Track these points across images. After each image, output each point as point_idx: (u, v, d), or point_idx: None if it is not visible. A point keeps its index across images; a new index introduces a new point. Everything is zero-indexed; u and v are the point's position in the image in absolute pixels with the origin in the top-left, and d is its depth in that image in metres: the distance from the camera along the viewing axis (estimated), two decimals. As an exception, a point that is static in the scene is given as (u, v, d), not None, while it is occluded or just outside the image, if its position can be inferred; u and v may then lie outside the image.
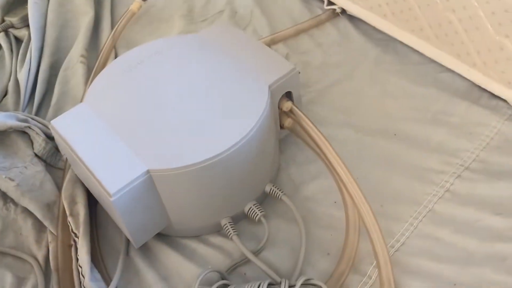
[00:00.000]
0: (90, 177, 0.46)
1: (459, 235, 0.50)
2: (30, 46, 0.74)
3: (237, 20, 0.77)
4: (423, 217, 0.52)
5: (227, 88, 0.51)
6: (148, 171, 0.45)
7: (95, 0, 0.82)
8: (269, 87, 0.51)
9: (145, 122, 0.49)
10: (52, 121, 0.50)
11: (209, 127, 0.48)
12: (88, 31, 0.77)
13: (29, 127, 0.59)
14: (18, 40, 0.78)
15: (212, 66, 0.54)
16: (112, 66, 0.55)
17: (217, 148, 0.46)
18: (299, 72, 0.54)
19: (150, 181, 0.46)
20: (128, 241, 0.53)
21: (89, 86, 0.55)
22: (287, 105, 0.54)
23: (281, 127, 0.57)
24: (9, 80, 0.72)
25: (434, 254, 0.49)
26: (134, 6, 0.79)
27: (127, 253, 0.53)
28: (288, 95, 0.55)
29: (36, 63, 0.73)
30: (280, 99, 0.54)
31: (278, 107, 0.54)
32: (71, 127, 0.50)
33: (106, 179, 0.45)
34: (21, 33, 0.78)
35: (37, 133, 0.59)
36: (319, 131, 0.52)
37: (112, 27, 0.79)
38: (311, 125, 0.52)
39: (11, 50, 0.77)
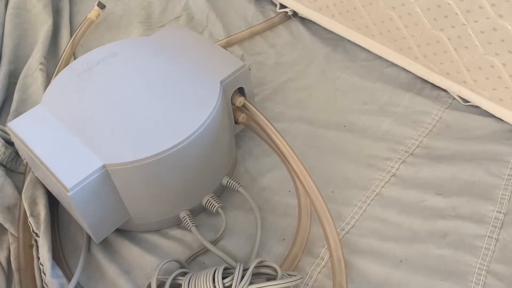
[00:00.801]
0: (48, 175, 0.48)
1: (404, 216, 0.53)
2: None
3: (194, 25, 0.80)
4: (371, 200, 0.55)
5: (180, 85, 0.53)
6: (104, 166, 0.47)
7: (54, 10, 0.84)
8: (221, 82, 0.53)
9: (100, 120, 0.51)
10: (9, 123, 0.51)
11: (163, 122, 0.50)
12: (47, 40, 0.78)
13: None
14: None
15: (166, 65, 0.56)
16: (68, 68, 0.57)
17: (171, 140, 0.48)
18: (250, 69, 0.56)
19: (106, 176, 0.48)
20: (89, 237, 0.55)
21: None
22: (240, 100, 0.56)
23: (236, 122, 0.59)
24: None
25: (382, 234, 0.52)
26: (92, 14, 0.81)
27: (88, 249, 0.54)
28: (241, 91, 0.57)
29: (-6, 71, 0.74)
30: (233, 95, 0.56)
31: (232, 103, 0.57)
32: (29, 128, 0.51)
33: (63, 174, 0.46)
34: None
35: None
36: (272, 124, 0.54)
37: (71, 35, 0.81)
38: (263, 119, 0.55)
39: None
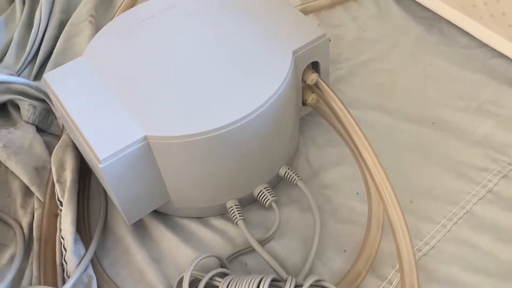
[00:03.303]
0: (80, 139, 0.41)
1: (500, 244, 0.43)
2: (40, 1, 0.69)
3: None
4: (459, 219, 0.45)
5: (245, 51, 0.45)
6: (145, 137, 0.39)
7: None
8: (294, 53, 0.44)
9: (148, 83, 0.43)
10: (44, 75, 0.45)
11: (221, 94, 0.41)
12: None
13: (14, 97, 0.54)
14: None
15: (230, 25, 0.47)
16: (119, 19, 0.49)
17: (227, 117, 0.39)
18: (330, 40, 0.46)
19: (147, 149, 0.40)
20: (106, 211, 0.48)
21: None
22: (313, 77, 0.47)
23: (303, 103, 0.50)
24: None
25: (469, 263, 0.42)
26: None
27: (104, 225, 0.47)
28: (315, 67, 0.48)
29: (46, 18, 0.68)
30: (305, 70, 0.47)
31: (302, 80, 0.47)
32: (65, 83, 0.44)
33: (96, 142, 0.39)
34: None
35: (20, 99, 0.53)
36: (348, 111, 0.45)
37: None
38: (338, 102, 0.45)
39: (23, 3, 0.72)
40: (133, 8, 0.51)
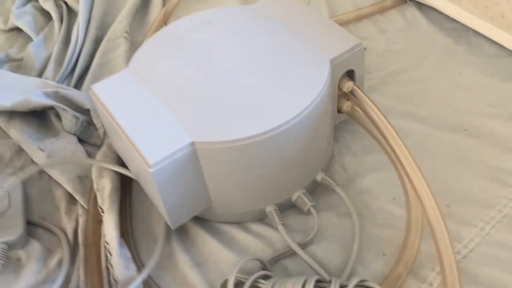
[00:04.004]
0: (129, 146, 0.42)
1: (540, 246, 0.43)
2: (78, 18, 0.72)
3: (294, 2, 0.72)
4: (497, 222, 0.46)
5: (283, 60, 0.46)
6: (192, 143, 0.41)
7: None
8: (331, 61, 0.46)
9: (193, 91, 0.45)
10: (92, 86, 0.47)
11: (262, 101, 0.43)
12: (134, 9, 0.74)
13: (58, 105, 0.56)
14: (69, 10, 0.76)
15: (268, 36, 0.49)
16: (161, 33, 0.52)
17: (271, 123, 0.41)
18: (365, 49, 0.48)
19: (194, 155, 0.41)
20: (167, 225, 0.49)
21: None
22: (349, 85, 0.48)
23: (339, 111, 0.51)
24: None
25: (509, 265, 0.43)
26: (187, -17, 0.76)
27: (165, 238, 0.48)
28: (350, 75, 0.49)
29: (83, 35, 0.71)
30: (341, 79, 0.48)
31: (338, 88, 0.49)
32: (113, 93, 0.46)
33: (146, 148, 0.41)
34: (72, 2, 0.76)
35: (63, 109, 0.56)
36: (384, 116, 0.46)
37: (163, 5, 0.76)
38: (375, 109, 0.47)
39: (61, 20, 0.75)
40: (171, 24, 0.53)
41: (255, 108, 0.42)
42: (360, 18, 0.69)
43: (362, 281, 0.39)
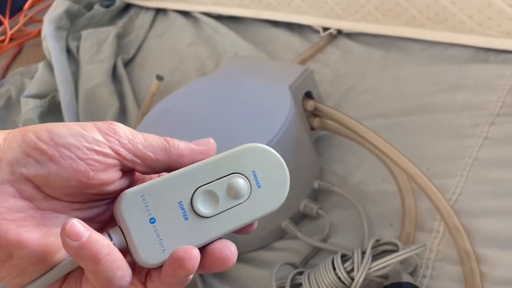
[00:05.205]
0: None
1: (511, 170, 0.51)
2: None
3: (247, 69, 0.84)
4: (471, 166, 0.53)
5: (252, 100, 0.56)
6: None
7: (118, 93, 0.90)
8: (289, 88, 0.55)
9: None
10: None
11: (242, 134, 0.51)
12: (115, 119, 0.84)
13: None
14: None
15: (233, 87, 0.59)
16: (147, 117, 0.61)
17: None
18: (313, 71, 0.58)
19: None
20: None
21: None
22: (311, 103, 0.58)
23: (312, 128, 0.60)
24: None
25: (494, 193, 0.50)
26: (153, 87, 0.87)
27: (202, 280, 0.54)
28: (309, 96, 0.59)
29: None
30: (303, 101, 0.57)
31: (304, 109, 0.58)
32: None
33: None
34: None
35: None
36: (348, 115, 0.55)
37: (138, 109, 0.86)
38: (337, 113, 0.56)
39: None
40: (156, 106, 0.62)
41: (238, 141, 0.51)
42: (304, 61, 0.80)
43: (378, 240, 0.45)
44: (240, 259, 0.54)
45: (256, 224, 0.29)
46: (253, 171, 0.28)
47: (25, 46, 1.10)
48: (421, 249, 0.44)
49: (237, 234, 0.29)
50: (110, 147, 0.26)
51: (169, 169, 0.27)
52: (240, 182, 0.27)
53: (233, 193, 0.27)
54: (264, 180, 0.28)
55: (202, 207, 0.26)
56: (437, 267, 0.47)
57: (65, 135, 0.25)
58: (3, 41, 1.10)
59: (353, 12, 0.75)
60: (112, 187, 0.26)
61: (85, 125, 0.26)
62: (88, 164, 0.25)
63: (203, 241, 0.26)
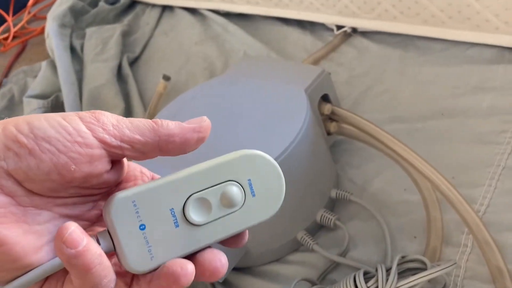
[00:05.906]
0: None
1: (544, 180, 0.47)
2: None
3: (257, 69, 0.80)
4: (499, 175, 0.50)
5: (266, 103, 0.52)
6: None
7: (123, 94, 0.87)
8: (305, 91, 0.52)
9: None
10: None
11: (259, 139, 0.48)
12: None
13: None
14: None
15: (244, 91, 0.56)
16: (164, 111, 0.57)
17: (272, 153, 0.46)
18: (330, 73, 0.55)
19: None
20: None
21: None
22: (328, 107, 0.54)
23: (328, 133, 0.57)
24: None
25: (525, 205, 0.46)
26: (160, 88, 0.84)
27: None
28: (325, 99, 0.55)
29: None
30: (319, 104, 0.54)
31: (320, 113, 0.55)
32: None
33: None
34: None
35: None
36: (368, 121, 0.51)
37: (145, 111, 0.83)
38: (357, 117, 0.52)
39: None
40: (163, 109, 0.59)
41: (255, 146, 0.47)
42: (317, 61, 0.76)
43: (404, 257, 0.42)
44: (253, 272, 0.51)
45: (247, 236, 0.27)
46: (249, 179, 0.26)
47: (28, 44, 1.07)
48: (452, 267, 0.40)
49: (228, 247, 0.27)
50: (94, 136, 0.24)
51: (161, 151, 0.26)
52: (235, 190, 0.26)
53: (226, 201, 0.26)
54: (259, 189, 0.26)
55: (194, 215, 0.25)
56: (466, 285, 0.44)
57: (45, 127, 0.24)
58: (6, 38, 1.08)
59: (369, 9, 0.72)
60: (98, 180, 0.25)
61: (67, 115, 0.25)
62: (70, 157, 0.24)
63: (192, 249, 0.25)
